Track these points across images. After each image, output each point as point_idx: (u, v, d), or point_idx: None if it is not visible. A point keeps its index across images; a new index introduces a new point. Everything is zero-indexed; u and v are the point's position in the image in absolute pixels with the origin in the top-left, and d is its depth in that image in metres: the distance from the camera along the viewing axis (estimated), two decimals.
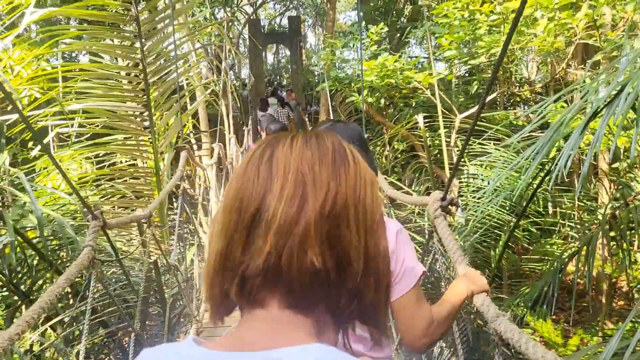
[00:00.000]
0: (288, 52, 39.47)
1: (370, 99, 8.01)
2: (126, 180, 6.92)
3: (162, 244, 6.52)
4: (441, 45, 7.83)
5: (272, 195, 0.65)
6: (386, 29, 8.06)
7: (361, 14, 11.15)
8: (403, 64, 7.94)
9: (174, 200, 7.93)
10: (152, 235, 2.98)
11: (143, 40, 5.81)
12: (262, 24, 28.93)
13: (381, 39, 8.33)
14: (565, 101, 8.07)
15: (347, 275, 0.66)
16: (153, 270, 5.18)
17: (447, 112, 8.18)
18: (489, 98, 8.10)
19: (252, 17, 25.23)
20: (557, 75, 7.53)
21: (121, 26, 5.88)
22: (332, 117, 12.42)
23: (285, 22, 36.56)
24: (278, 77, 35.97)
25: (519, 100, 12.42)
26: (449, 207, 1.95)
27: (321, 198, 0.65)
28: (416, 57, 8.36)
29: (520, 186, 5.58)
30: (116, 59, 6.44)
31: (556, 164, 3.47)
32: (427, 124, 8.83)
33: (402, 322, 1.39)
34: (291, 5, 34.61)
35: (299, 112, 12.99)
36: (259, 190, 0.66)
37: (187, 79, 6.90)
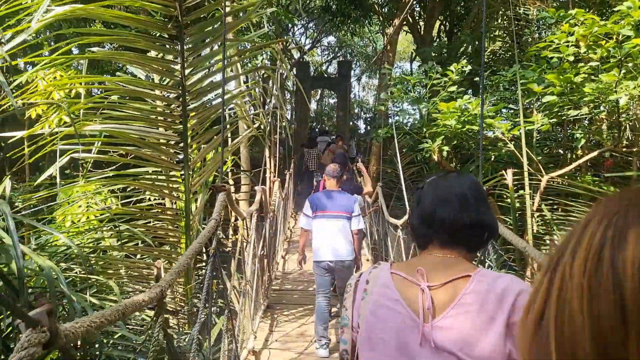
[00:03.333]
0: (332, 100, 39.01)
1: (445, 148, 6.76)
2: (149, 223, 5.76)
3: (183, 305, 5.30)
4: (531, 91, 6.59)
5: None
6: (469, 67, 6.88)
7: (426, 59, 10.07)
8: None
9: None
10: (163, 323, 1.77)
11: (185, 56, 4.75)
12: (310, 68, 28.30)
13: (462, 79, 7.14)
14: None
15: None
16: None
17: (531, 170, 6.86)
18: (588, 157, 6.75)
19: (300, 60, 24.61)
20: None
21: (160, 36, 4.85)
22: (380, 167, 11.25)
23: (331, 69, 36.17)
24: (320, 124, 35.25)
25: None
26: None
27: None
28: (498, 103, 7.13)
29: None
30: (150, 76, 5.39)
31: None
32: (503, 184, 7.53)
33: None
34: (339, 54, 34.20)
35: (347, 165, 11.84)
36: None
37: (232, 109, 5.81)
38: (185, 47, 4.70)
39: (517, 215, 6.55)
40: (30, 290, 4.02)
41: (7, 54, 3.76)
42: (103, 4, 4.13)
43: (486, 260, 3.20)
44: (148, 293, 1.64)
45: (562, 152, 9.83)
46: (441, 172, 1.66)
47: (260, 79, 9.03)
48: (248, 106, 6.24)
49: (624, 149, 6.45)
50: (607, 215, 0.45)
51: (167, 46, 4.80)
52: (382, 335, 1.35)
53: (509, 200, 6.41)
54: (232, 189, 9.16)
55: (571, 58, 5.28)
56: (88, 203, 6.85)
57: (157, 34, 5.00)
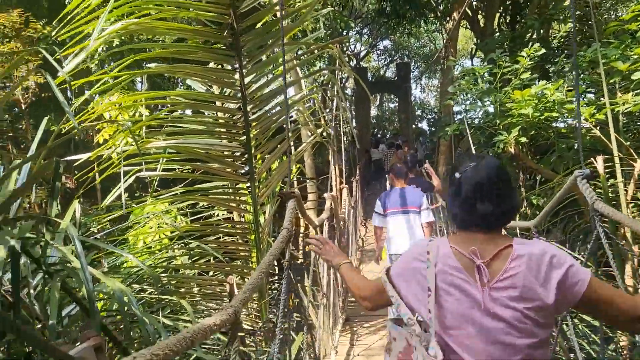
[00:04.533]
0: (391, 105, 38.47)
1: (523, 139, 6.28)
2: (219, 238, 5.64)
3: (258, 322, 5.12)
4: (614, 71, 6.04)
5: None
6: (543, 50, 6.38)
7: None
8: (562, 97, 6.21)
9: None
10: (238, 348, 1.54)
11: (244, 64, 4.59)
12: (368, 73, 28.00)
13: (533, 65, 6.64)
14: None
15: None
16: None
17: (621, 156, 6.27)
18: None
19: (357, 66, 24.39)
20: None
21: (217, 46, 4.72)
22: (449, 166, 10.73)
23: (389, 73, 35.69)
24: (382, 129, 34.77)
25: None
26: None
27: None
28: (574, 86, 6.56)
29: None
30: (211, 88, 5.28)
31: None
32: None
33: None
34: (397, 57, 33.68)
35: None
36: None
37: (293, 116, 5.62)
38: (243, 55, 4.55)
39: (611, 205, 5.98)
40: (106, 314, 3.95)
41: (68, 75, 3.72)
42: (156, 16, 4.04)
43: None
44: (219, 315, 1.42)
45: None
46: (472, 158, 1.77)
47: (318, 85, 8.83)
48: (310, 111, 6.03)
49: None
50: None
51: (225, 55, 4.66)
52: (450, 296, 1.62)
53: (600, 190, 5.86)
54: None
55: None
56: (158, 223, 6.84)
57: (214, 44, 4.89)
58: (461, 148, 10.71)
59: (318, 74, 12.06)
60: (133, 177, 4.62)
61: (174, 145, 4.63)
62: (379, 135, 28.89)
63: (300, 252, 7.50)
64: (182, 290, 5.05)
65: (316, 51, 9.77)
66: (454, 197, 1.74)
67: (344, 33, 11.65)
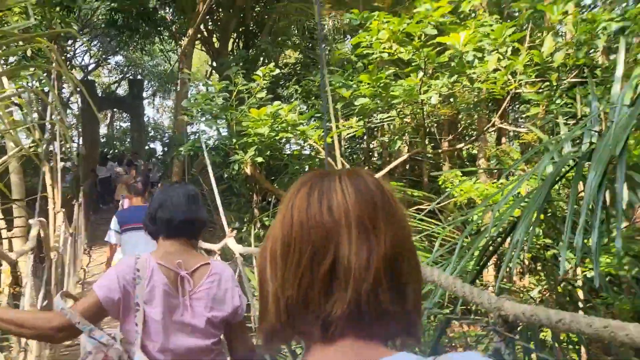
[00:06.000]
0: (124, 124, 36.29)
1: (259, 159, 6.19)
2: None
3: None
4: (339, 97, 6.42)
5: (344, 247, 0.71)
6: (277, 71, 6.44)
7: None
8: (295, 119, 6.34)
9: None
10: None
11: None
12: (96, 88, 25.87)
13: (268, 85, 6.66)
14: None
15: (405, 304, 0.73)
16: None
17: None
18: (399, 160, 6.76)
19: (85, 79, 22.38)
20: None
21: None
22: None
23: (120, 91, 33.67)
24: (113, 148, 32.57)
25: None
26: None
27: (384, 244, 0.72)
28: (308, 111, 6.82)
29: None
30: None
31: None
32: None
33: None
34: (129, 74, 31.98)
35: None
36: (330, 241, 0.71)
37: None
38: None
39: None
40: None
41: None
42: None
43: None
44: None
45: (363, 159, 10.03)
46: (168, 184, 2.23)
47: (29, 91, 7.59)
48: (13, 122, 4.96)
49: (433, 152, 6.56)
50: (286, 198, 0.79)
51: None
52: (156, 309, 1.82)
53: None
54: (2, 223, 7.48)
55: (385, 55, 5.13)
56: None
57: None
58: (195, 169, 10.37)
59: (34, 79, 10.49)
60: None
61: None
62: (109, 155, 26.88)
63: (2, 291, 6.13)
64: None
65: (29, 51, 8.44)
66: (147, 214, 2.03)
67: (66, 37, 10.36)
